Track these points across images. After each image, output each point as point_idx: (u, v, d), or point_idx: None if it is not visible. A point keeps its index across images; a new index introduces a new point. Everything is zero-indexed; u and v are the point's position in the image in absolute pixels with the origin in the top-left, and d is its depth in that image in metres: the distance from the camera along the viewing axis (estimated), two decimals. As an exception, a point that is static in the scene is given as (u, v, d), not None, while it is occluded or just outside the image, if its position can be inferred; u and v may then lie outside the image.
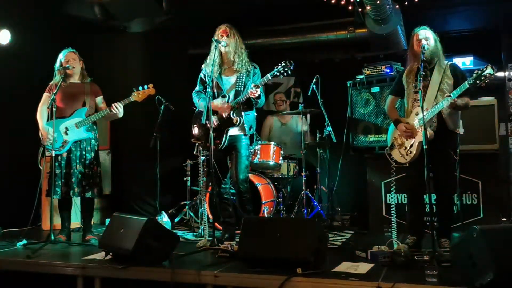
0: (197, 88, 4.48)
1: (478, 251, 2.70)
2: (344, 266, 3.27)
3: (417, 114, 3.85)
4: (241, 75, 4.29)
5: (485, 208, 4.64)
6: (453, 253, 3.14)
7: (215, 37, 4.27)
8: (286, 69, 4.05)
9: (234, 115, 4.20)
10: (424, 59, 3.72)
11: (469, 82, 3.60)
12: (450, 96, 3.64)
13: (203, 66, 4.44)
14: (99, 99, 4.68)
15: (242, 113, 4.25)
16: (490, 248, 2.65)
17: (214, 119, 4.22)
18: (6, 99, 5.55)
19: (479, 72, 3.57)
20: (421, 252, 3.58)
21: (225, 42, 4.24)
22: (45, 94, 4.62)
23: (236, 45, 4.29)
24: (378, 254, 3.41)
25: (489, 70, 3.52)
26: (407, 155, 3.89)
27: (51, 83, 4.62)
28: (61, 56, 4.61)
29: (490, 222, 4.50)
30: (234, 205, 4.48)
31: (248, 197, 4.32)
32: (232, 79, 4.34)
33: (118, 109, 4.47)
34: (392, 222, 3.91)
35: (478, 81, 3.58)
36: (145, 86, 4.54)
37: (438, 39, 3.93)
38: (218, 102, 4.26)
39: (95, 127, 4.67)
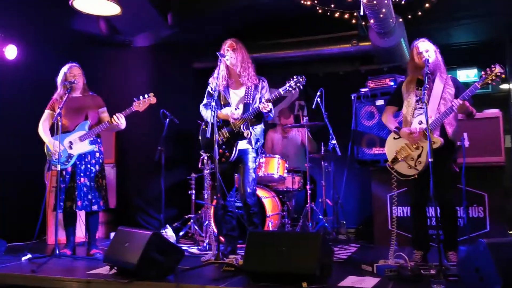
0: (204, 101, 4.49)
1: (485, 265, 2.69)
2: (350, 280, 3.24)
3: (420, 122, 3.79)
4: (249, 88, 4.31)
5: (492, 221, 4.61)
6: (460, 267, 3.12)
7: (221, 51, 4.30)
8: (298, 84, 4.08)
9: (244, 128, 4.22)
10: (428, 71, 3.72)
11: (479, 83, 3.56)
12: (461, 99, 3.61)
13: (210, 79, 4.46)
14: (102, 111, 4.72)
15: (250, 126, 4.27)
16: (497, 262, 2.63)
17: (224, 132, 4.24)
18: (13, 114, 5.58)
19: (489, 72, 3.53)
20: (427, 266, 3.55)
21: (229, 56, 4.27)
22: (47, 111, 4.63)
23: (243, 59, 4.31)
24: (384, 268, 3.38)
25: (498, 69, 3.49)
26: (415, 166, 3.80)
27: (53, 97, 4.64)
28: (65, 70, 4.63)
29: (497, 235, 4.47)
30: (238, 218, 4.48)
31: (255, 211, 4.31)
32: (240, 92, 4.35)
33: (119, 119, 4.47)
34: (392, 235, 3.89)
35: (489, 81, 3.55)
36: (146, 95, 4.55)
37: (438, 51, 3.93)
38: (227, 111, 4.27)
39: (99, 139, 4.67)
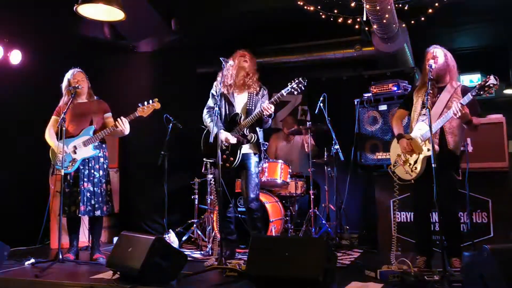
0: (209, 103, 4.50)
1: (489, 271, 2.67)
2: (353, 286, 3.24)
3: (420, 128, 3.84)
4: (252, 94, 4.33)
5: (496, 227, 4.59)
6: (464, 273, 3.10)
7: (233, 59, 4.32)
8: (300, 85, 4.12)
9: (248, 132, 4.23)
10: (431, 77, 3.72)
11: (472, 94, 3.57)
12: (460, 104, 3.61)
13: (214, 83, 4.48)
14: (107, 116, 4.73)
15: (257, 129, 4.29)
16: (502, 268, 2.62)
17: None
18: (17, 119, 5.61)
19: (482, 83, 3.54)
20: (431, 272, 3.54)
21: (232, 62, 4.29)
22: (53, 117, 4.66)
23: (249, 68, 4.39)
24: (388, 273, 3.37)
25: (492, 81, 3.49)
26: (412, 171, 3.86)
27: (59, 105, 4.67)
28: (69, 76, 4.65)
29: (501, 241, 4.44)
30: (237, 222, 4.47)
31: (258, 215, 4.32)
32: (243, 98, 4.38)
33: (123, 124, 4.47)
34: (393, 240, 3.88)
35: (481, 92, 3.55)
36: (150, 101, 4.56)
37: (449, 56, 3.92)
38: (226, 136, 4.27)
39: (104, 145, 4.68)
